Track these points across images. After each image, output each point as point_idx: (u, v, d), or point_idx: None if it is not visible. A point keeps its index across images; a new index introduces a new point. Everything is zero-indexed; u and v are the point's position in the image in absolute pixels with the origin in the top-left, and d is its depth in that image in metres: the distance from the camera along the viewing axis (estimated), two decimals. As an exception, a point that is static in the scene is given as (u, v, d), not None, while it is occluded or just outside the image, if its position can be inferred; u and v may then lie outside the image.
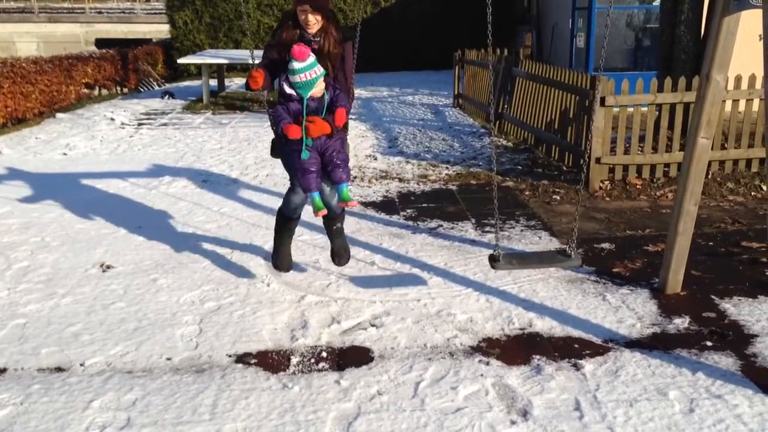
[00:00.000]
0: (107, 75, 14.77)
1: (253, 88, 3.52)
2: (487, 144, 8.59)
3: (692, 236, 4.01)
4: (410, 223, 5.54)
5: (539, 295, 4.07)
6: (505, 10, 16.41)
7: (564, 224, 5.41)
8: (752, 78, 6.45)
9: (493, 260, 3.57)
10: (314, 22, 3.61)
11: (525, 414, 2.88)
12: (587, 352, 3.39)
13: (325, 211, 3.62)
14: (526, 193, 6.40)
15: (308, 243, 5.01)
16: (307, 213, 4.11)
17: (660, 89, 6.42)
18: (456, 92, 11.81)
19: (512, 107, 8.96)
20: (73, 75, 12.97)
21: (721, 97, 3.72)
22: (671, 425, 2.78)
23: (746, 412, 2.86)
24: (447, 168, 7.45)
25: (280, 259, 4.18)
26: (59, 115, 11.47)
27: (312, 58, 3.47)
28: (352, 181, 6.81)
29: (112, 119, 11.07)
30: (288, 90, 3.53)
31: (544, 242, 5.04)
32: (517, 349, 3.45)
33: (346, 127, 3.87)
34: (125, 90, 15.51)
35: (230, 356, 3.41)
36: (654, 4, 11.20)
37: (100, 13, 26.72)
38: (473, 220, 5.57)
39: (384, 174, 7.24)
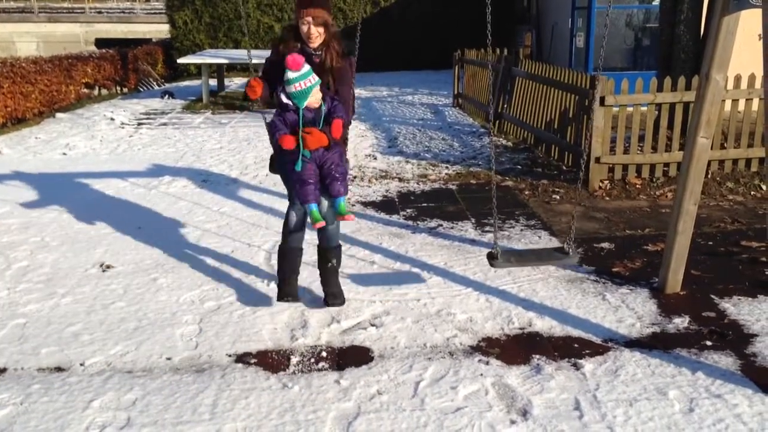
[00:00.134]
0: (107, 75, 14.78)
1: (252, 98, 3.54)
2: (486, 143, 8.59)
3: (692, 236, 4.02)
4: (410, 222, 5.54)
5: (539, 294, 4.08)
6: (504, 10, 16.43)
7: (563, 224, 5.41)
8: (752, 77, 6.45)
9: (492, 258, 3.60)
10: (316, 35, 3.54)
11: (525, 413, 2.88)
12: (587, 351, 3.40)
13: (323, 223, 3.60)
14: (526, 192, 6.40)
15: (307, 242, 4.99)
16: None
17: (659, 89, 6.42)
18: (456, 92, 11.81)
19: (512, 107, 8.97)
20: (73, 75, 12.97)
21: (720, 96, 3.72)
22: (671, 425, 2.78)
23: (746, 412, 2.86)
24: (447, 167, 7.45)
25: (284, 294, 3.79)
26: (59, 115, 11.47)
27: (306, 67, 3.45)
28: (352, 180, 6.82)
29: (112, 119, 11.07)
30: (285, 100, 3.53)
31: (544, 242, 5.04)
32: (516, 348, 3.45)
33: (345, 140, 3.84)
34: (125, 90, 15.51)
35: (230, 356, 3.42)
36: (653, 3, 11.20)
37: (99, 12, 26.72)
38: (473, 220, 5.57)
39: (384, 173, 7.24)
